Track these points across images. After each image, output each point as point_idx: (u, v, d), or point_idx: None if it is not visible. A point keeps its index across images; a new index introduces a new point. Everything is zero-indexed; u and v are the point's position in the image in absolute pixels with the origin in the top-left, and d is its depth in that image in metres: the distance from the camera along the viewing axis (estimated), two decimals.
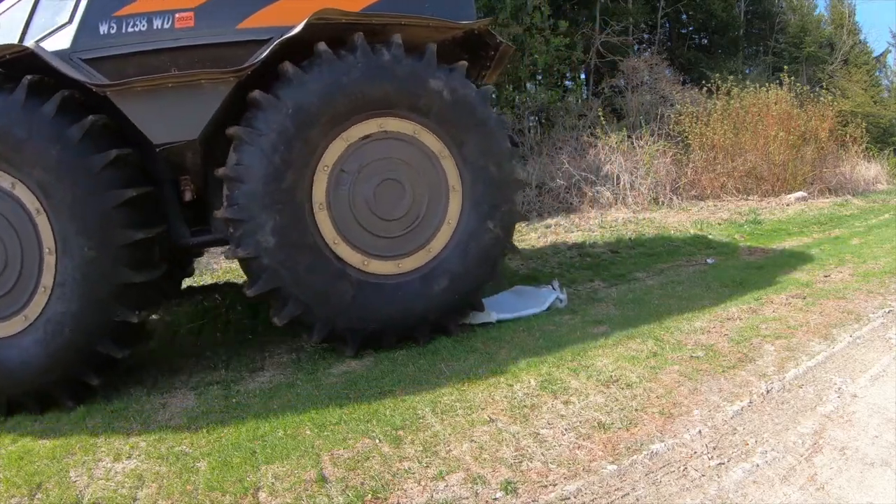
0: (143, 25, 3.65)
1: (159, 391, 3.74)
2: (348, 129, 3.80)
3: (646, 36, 18.83)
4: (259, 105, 3.58)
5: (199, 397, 3.61)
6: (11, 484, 2.68)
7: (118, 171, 3.43)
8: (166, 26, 3.65)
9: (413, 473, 2.58)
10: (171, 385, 3.84)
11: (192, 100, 3.53)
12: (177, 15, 3.67)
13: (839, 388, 3.26)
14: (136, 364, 4.36)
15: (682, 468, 2.54)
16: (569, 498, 2.37)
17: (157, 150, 3.57)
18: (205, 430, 3.11)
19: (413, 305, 4.00)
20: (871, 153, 17.74)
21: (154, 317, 5.48)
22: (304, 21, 3.57)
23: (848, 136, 15.66)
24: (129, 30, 3.64)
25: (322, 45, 3.64)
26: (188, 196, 3.90)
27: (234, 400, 3.53)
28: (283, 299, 3.69)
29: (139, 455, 2.90)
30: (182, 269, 6.07)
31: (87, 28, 3.62)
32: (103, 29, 3.64)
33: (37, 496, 2.59)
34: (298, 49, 3.66)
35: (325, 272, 3.72)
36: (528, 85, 15.11)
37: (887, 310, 4.63)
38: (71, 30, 3.63)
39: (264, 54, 3.58)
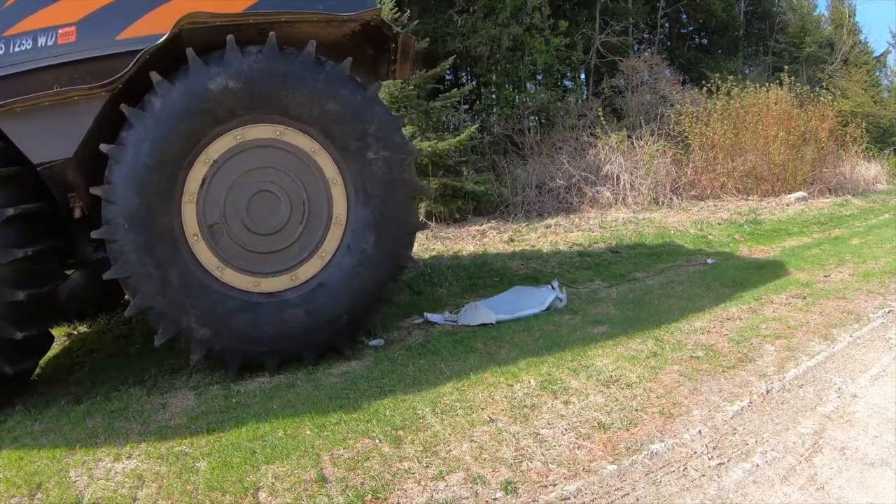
0: (29, 44, 3.58)
1: (159, 391, 3.74)
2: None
3: (646, 36, 18.83)
4: (126, 120, 3.48)
5: (199, 397, 3.61)
6: (11, 484, 2.68)
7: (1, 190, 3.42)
8: (50, 43, 3.59)
9: (413, 473, 2.58)
10: (171, 385, 3.84)
11: (67, 117, 3.48)
12: (60, 31, 3.59)
13: (839, 388, 3.26)
14: (137, 364, 4.36)
15: (682, 468, 2.54)
16: (569, 498, 2.37)
17: (38, 169, 3.53)
18: (205, 430, 3.11)
19: (265, 329, 3.75)
20: (871, 153, 17.74)
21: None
22: (171, 29, 3.48)
23: (848, 136, 15.66)
24: (17, 49, 3.58)
25: (190, 52, 3.50)
26: (77, 213, 3.81)
27: (234, 400, 3.53)
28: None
29: (139, 455, 2.90)
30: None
31: None
32: None
33: (37, 496, 2.58)
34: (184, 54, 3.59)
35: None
36: (528, 85, 15.12)
37: (887, 310, 4.63)
38: None
39: (130, 67, 3.47)
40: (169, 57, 3.58)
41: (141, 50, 3.48)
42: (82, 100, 3.50)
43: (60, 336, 5.24)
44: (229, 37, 3.53)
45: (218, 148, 3.66)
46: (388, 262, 3.91)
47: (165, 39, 3.49)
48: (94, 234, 3.53)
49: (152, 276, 3.51)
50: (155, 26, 3.56)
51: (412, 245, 4.13)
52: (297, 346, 3.83)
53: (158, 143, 3.46)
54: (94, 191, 3.51)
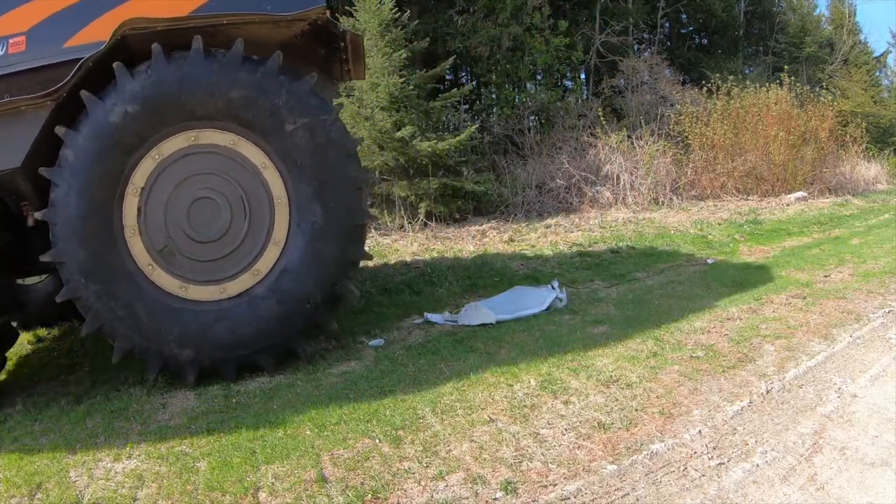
0: None
1: (159, 391, 3.74)
2: (140, 164, 3.60)
3: (646, 36, 18.83)
4: (64, 136, 3.47)
5: (199, 397, 3.61)
6: (11, 484, 2.68)
7: None
8: (1, 53, 3.58)
9: (413, 473, 2.58)
10: (171, 385, 3.84)
11: (14, 127, 3.48)
12: (10, 40, 3.58)
13: (839, 388, 3.26)
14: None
15: (682, 468, 2.54)
16: (569, 498, 2.37)
17: None
18: (205, 430, 3.11)
19: (244, 330, 3.69)
20: (871, 153, 17.74)
21: None
22: (111, 36, 3.47)
23: (848, 136, 15.67)
24: None
25: (84, 94, 3.46)
26: (30, 221, 3.79)
27: (234, 400, 3.53)
28: (110, 335, 3.61)
29: (139, 455, 2.90)
30: None
31: None
32: None
33: (37, 496, 2.58)
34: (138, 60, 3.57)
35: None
36: (528, 85, 15.12)
37: (887, 310, 4.63)
38: None
39: (71, 75, 3.46)
40: (124, 62, 3.55)
41: (84, 58, 3.47)
42: (29, 109, 3.49)
43: (62, 335, 5.25)
44: (116, 63, 3.46)
45: (142, 174, 3.60)
46: (342, 226, 3.79)
47: (106, 47, 3.47)
48: (42, 258, 3.53)
49: (122, 316, 3.53)
50: (100, 33, 3.54)
51: (363, 200, 3.97)
52: (282, 337, 3.77)
53: (82, 193, 3.45)
54: (37, 216, 3.52)
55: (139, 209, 3.62)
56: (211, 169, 3.70)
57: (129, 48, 3.60)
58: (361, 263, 4.39)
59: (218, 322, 3.65)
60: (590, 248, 7.95)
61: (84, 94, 3.45)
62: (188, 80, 3.51)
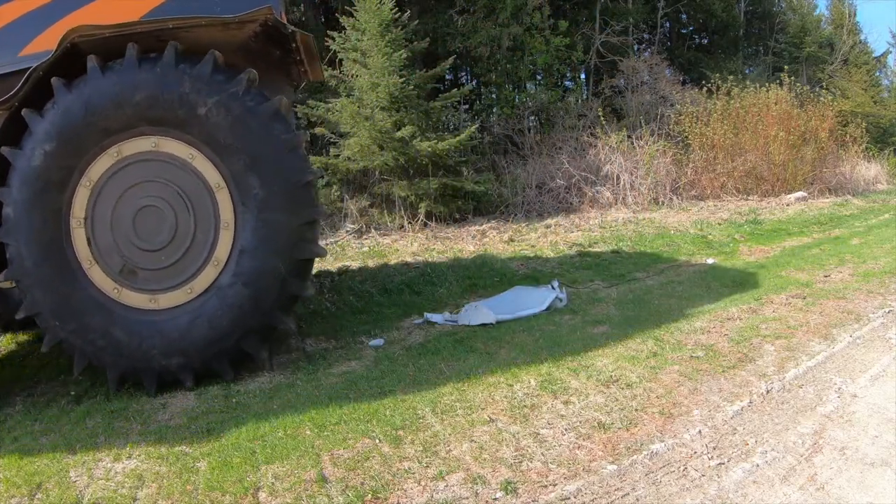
0: None
1: (159, 391, 3.73)
2: (76, 193, 3.59)
3: (646, 36, 18.82)
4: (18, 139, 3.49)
5: (199, 397, 3.61)
6: (11, 484, 2.68)
7: None
8: None
9: (413, 473, 2.58)
10: (171, 385, 3.83)
11: None
12: None
13: (839, 388, 3.26)
14: None
15: (682, 468, 2.54)
16: (569, 498, 2.37)
17: None
18: (205, 430, 3.11)
19: (221, 323, 3.65)
20: (871, 153, 17.75)
21: None
22: (58, 45, 3.46)
23: (848, 136, 15.67)
24: None
25: (6, 150, 3.49)
26: None
27: (234, 400, 3.53)
28: (43, 325, 3.61)
29: (139, 455, 2.90)
30: None
31: None
32: None
33: (37, 496, 2.58)
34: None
35: (77, 300, 3.56)
36: (528, 85, 15.11)
37: (887, 310, 4.63)
38: None
39: (22, 84, 3.46)
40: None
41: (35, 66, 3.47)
42: None
43: None
44: (54, 79, 3.45)
45: (80, 205, 3.60)
46: (285, 190, 3.68)
47: (53, 55, 3.47)
48: (17, 316, 3.57)
49: (104, 346, 3.55)
50: (54, 41, 3.53)
51: (301, 159, 3.78)
52: (258, 318, 3.68)
53: (29, 244, 3.48)
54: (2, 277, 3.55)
55: (88, 239, 3.61)
56: (143, 177, 3.66)
57: (83, 55, 3.58)
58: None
59: (194, 322, 3.62)
60: (590, 248, 7.95)
61: (5, 150, 3.49)
62: (91, 101, 3.49)
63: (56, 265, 3.54)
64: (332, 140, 10.49)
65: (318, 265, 7.33)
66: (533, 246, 8.22)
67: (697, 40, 21.24)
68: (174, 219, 3.67)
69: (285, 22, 3.94)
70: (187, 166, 3.67)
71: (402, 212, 9.76)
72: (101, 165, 3.60)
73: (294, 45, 4.11)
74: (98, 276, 3.62)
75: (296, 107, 10.17)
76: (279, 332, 3.86)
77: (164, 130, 3.60)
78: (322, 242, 8.64)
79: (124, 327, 3.57)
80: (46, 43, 3.59)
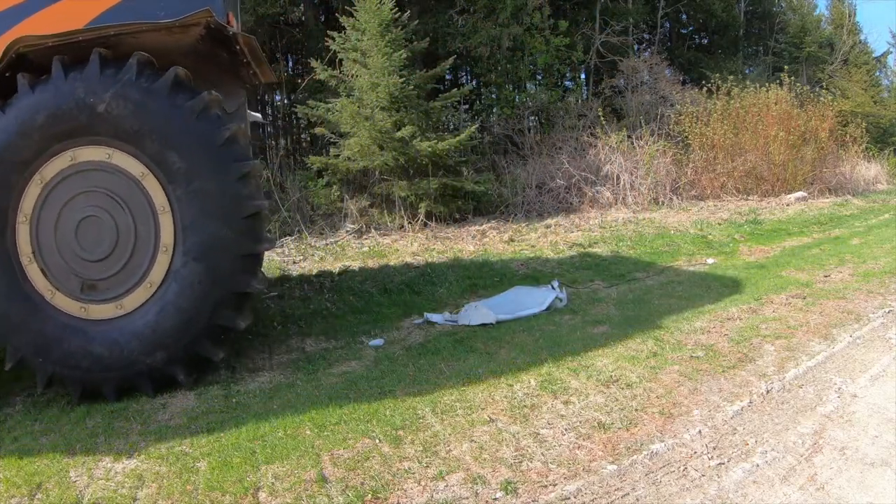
0: None
1: (159, 391, 3.73)
2: (20, 212, 3.55)
3: (646, 36, 18.82)
4: None
5: (199, 397, 3.61)
6: (11, 484, 2.68)
7: None
8: None
9: (413, 473, 2.58)
10: (171, 385, 3.83)
11: None
12: None
13: (839, 388, 3.26)
14: None
15: (682, 468, 2.54)
16: (569, 498, 2.37)
17: None
18: (205, 430, 3.11)
19: (199, 284, 3.57)
20: (871, 153, 17.76)
21: None
22: (2, 55, 3.45)
23: (848, 136, 15.68)
24: None
25: None
26: None
27: (234, 400, 3.53)
28: (32, 367, 3.60)
29: (139, 455, 2.90)
30: None
31: None
32: None
33: (37, 496, 2.58)
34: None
35: (50, 331, 3.54)
36: (528, 85, 15.12)
37: (887, 310, 4.63)
38: None
39: None
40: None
41: None
42: None
43: None
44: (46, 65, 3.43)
45: (24, 240, 3.58)
46: (208, 157, 3.57)
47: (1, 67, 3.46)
48: None
49: (86, 366, 3.51)
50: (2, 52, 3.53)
51: (215, 122, 3.67)
52: (224, 286, 3.58)
53: None
54: None
55: (42, 271, 3.59)
56: (73, 193, 3.62)
57: (33, 64, 3.57)
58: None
59: (163, 313, 3.56)
60: (590, 248, 7.96)
61: None
62: (7, 131, 3.48)
63: (20, 305, 3.52)
64: (332, 140, 10.49)
65: (317, 265, 7.34)
66: (533, 246, 8.22)
67: (697, 40, 21.25)
68: (113, 222, 3.61)
69: (232, 23, 3.91)
70: (108, 166, 3.61)
71: (402, 212, 9.76)
72: (31, 197, 3.57)
73: (237, 47, 4.04)
74: (62, 302, 3.59)
75: (299, 107, 10.14)
76: (250, 298, 3.75)
77: (76, 142, 3.55)
78: (322, 242, 8.73)
79: (102, 341, 3.53)
80: None
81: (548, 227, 9.59)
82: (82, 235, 3.61)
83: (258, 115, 7.27)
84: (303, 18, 13.40)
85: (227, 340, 3.78)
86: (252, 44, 4.10)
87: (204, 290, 3.54)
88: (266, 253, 8.17)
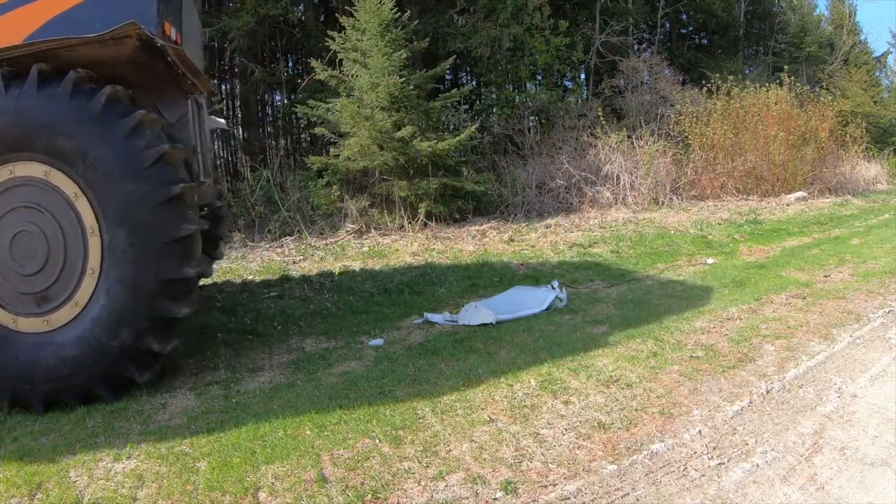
0: None
1: (159, 391, 3.73)
2: None
3: (646, 36, 18.82)
4: None
5: (199, 397, 3.61)
6: (11, 484, 2.68)
7: None
8: None
9: (413, 473, 2.58)
10: (171, 385, 3.84)
11: None
12: None
13: (839, 388, 3.26)
14: None
15: (682, 468, 2.54)
16: (569, 498, 2.37)
17: None
18: (205, 430, 3.11)
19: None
20: (871, 153, 17.77)
21: None
22: None
23: (848, 136, 15.69)
24: None
25: None
26: None
27: (234, 400, 3.53)
28: (8, 395, 3.55)
29: (139, 455, 2.90)
30: None
31: None
32: None
33: (37, 496, 2.58)
34: None
35: (19, 355, 3.50)
36: (528, 85, 15.12)
37: (887, 310, 4.63)
38: None
39: None
40: None
41: None
42: None
43: None
44: None
45: None
46: (130, 163, 3.50)
47: None
48: None
49: (56, 380, 3.48)
50: None
51: (116, 103, 3.62)
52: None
53: None
54: None
55: None
56: (9, 206, 3.58)
57: None
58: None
59: (86, 334, 3.51)
60: (590, 248, 7.96)
61: None
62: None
63: None
64: (332, 140, 10.49)
65: (317, 265, 7.34)
66: (533, 246, 8.22)
67: (697, 40, 21.24)
68: (46, 240, 3.56)
69: (168, 33, 3.86)
70: (45, 184, 3.56)
71: (402, 212, 9.76)
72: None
73: (169, 58, 3.99)
74: (25, 324, 3.57)
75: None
76: (176, 322, 3.68)
77: (16, 156, 3.52)
78: (322, 242, 8.72)
79: (29, 354, 3.50)
80: None
81: (548, 227, 9.59)
82: (16, 249, 3.57)
83: (222, 121, 7.30)
84: (303, 18, 13.40)
85: (151, 363, 3.67)
86: (182, 55, 4.04)
87: (128, 314, 3.48)
88: (266, 253, 8.21)
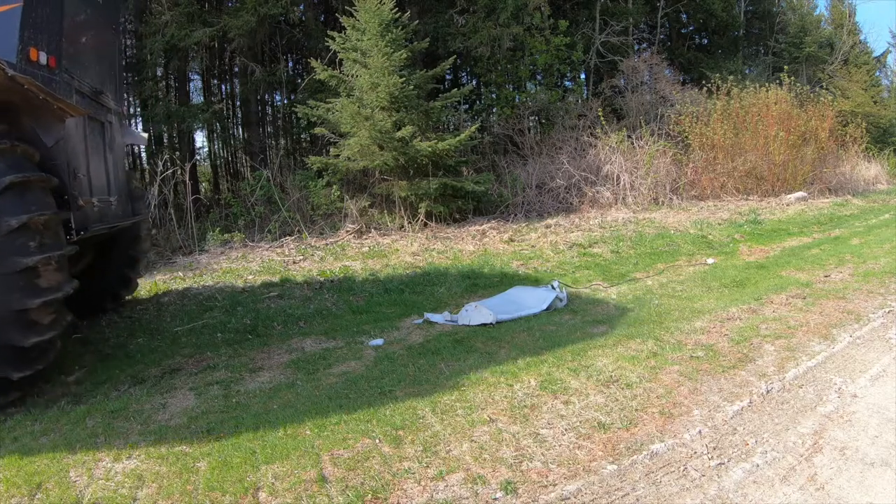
0: None
1: (159, 391, 3.74)
2: None
3: (646, 36, 18.82)
4: None
5: (199, 397, 3.61)
6: (11, 484, 2.68)
7: None
8: None
9: (413, 473, 2.58)
10: (171, 385, 3.84)
11: None
12: None
13: (839, 388, 3.26)
14: (137, 363, 4.36)
15: (682, 468, 2.54)
16: (569, 498, 2.37)
17: None
18: (205, 430, 3.11)
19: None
20: (871, 153, 17.78)
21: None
22: None
23: (848, 136, 15.70)
24: None
25: None
26: None
27: (234, 400, 3.53)
28: None
29: (139, 455, 2.90)
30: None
31: None
32: None
33: (37, 496, 2.58)
34: None
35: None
36: (528, 85, 15.12)
37: (887, 310, 4.63)
38: None
39: None
40: None
41: None
42: None
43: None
44: None
45: None
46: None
47: None
48: None
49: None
50: None
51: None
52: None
53: None
54: None
55: None
56: None
57: None
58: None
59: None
60: (590, 248, 7.96)
61: None
62: None
63: None
64: (332, 140, 10.49)
65: (317, 265, 7.34)
66: (533, 246, 8.22)
67: (697, 40, 21.24)
68: None
69: (35, 59, 3.82)
70: None
71: (402, 212, 9.76)
72: None
73: (24, 85, 3.85)
74: None
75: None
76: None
77: None
78: (322, 242, 8.71)
79: None
80: None
81: (548, 227, 9.59)
82: None
83: (144, 135, 7.28)
84: (303, 18, 13.40)
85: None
86: (35, 84, 3.89)
87: None
88: (266, 253, 8.20)
